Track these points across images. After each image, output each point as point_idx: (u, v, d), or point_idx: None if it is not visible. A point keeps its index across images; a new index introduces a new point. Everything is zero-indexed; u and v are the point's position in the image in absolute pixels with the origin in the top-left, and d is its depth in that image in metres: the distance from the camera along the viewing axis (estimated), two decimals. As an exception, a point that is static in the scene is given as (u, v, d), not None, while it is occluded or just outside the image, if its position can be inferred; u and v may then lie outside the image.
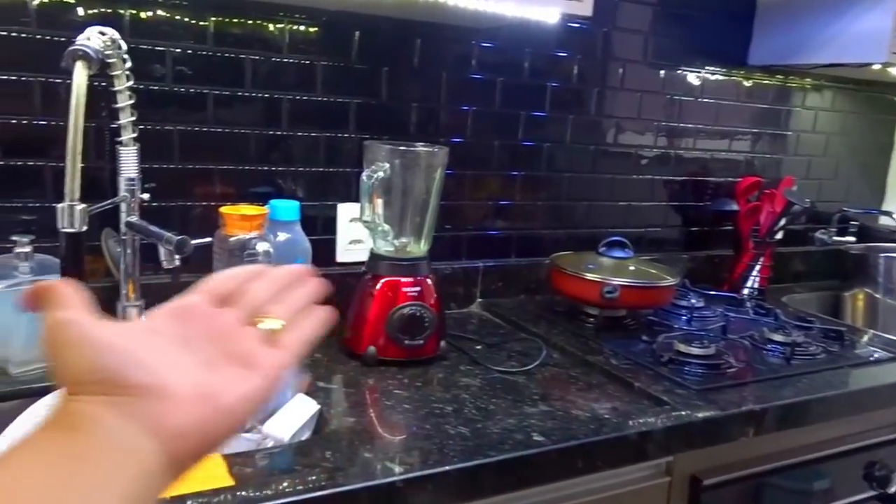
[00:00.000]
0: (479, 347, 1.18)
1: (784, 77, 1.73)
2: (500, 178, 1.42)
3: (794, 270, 1.86)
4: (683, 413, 0.95)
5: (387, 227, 1.07)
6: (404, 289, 1.07)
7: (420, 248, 1.12)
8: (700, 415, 0.95)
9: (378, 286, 1.07)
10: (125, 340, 0.36)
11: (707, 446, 0.96)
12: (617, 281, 1.22)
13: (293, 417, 0.84)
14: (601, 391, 1.02)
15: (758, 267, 1.63)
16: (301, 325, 0.44)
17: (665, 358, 1.10)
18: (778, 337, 1.23)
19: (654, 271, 1.30)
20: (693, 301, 1.38)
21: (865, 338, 1.39)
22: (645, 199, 1.61)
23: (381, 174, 1.04)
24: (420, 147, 1.10)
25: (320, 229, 1.24)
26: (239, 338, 0.41)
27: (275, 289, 0.44)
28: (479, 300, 1.41)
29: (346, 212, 1.25)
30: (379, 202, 1.08)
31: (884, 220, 1.92)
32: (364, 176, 1.03)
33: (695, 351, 1.11)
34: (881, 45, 1.37)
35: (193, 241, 0.91)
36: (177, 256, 0.90)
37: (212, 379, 0.38)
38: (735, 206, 1.63)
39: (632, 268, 1.28)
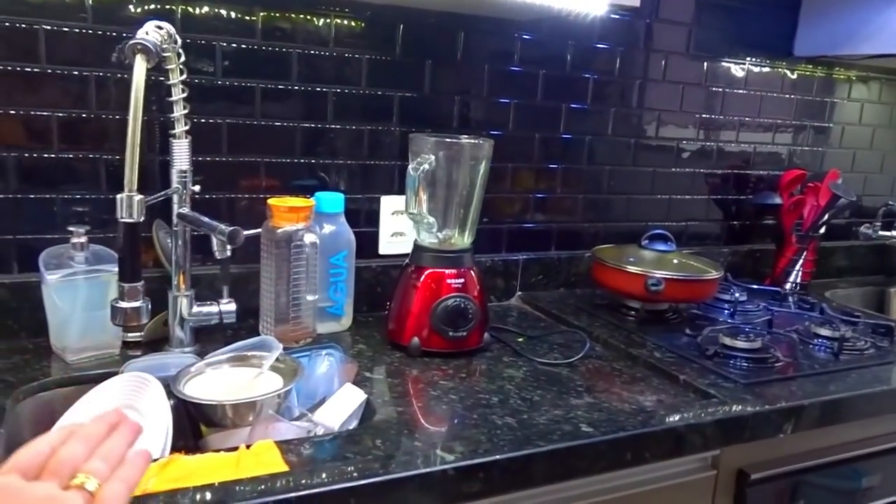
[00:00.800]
0: (521, 339, 1.18)
1: (829, 68, 1.70)
2: (540, 171, 1.41)
3: (837, 265, 1.83)
4: (731, 407, 0.94)
5: (432, 219, 1.08)
6: (448, 280, 1.08)
7: (464, 240, 1.13)
8: (748, 409, 0.94)
9: (422, 278, 1.08)
10: None
11: (754, 440, 0.95)
12: (660, 274, 1.21)
13: (342, 406, 0.85)
14: (646, 384, 1.02)
15: (801, 261, 1.61)
16: (123, 473, 0.45)
17: (711, 351, 1.09)
18: (825, 331, 1.21)
19: (697, 265, 1.29)
20: (737, 295, 1.37)
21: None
22: (686, 192, 1.60)
23: (426, 166, 1.04)
24: (465, 139, 1.11)
25: (363, 222, 1.25)
26: None
27: (89, 445, 0.45)
28: (519, 293, 1.41)
29: (388, 204, 1.26)
30: (424, 194, 1.08)
31: (931, 215, 1.87)
32: (410, 168, 1.04)
33: (741, 345, 1.10)
34: (932, 35, 1.34)
35: (245, 232, 0.92)
36: (228, 247, 0.91)
37: None
38: (778, 200, 1.60)
39: (675, 261, 1.27)
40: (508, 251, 1.40)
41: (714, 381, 1.02)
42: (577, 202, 1.46)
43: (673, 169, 1.56)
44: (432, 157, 1.05)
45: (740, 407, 0.94)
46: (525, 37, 1.33)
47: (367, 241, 1.25)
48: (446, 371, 1.03)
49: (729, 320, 1.26)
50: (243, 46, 1.11)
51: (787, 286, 1.61)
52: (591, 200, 1.48)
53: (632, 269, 1.23)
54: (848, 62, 1.69)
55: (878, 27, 1.46)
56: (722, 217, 1.67)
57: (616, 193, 1.50)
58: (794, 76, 1.66)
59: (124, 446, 0.46)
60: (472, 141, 1.10)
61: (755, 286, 1.48)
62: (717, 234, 1.66)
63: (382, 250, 1.27)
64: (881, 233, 1.81)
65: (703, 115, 1.57)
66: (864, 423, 1.07)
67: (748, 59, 1.59)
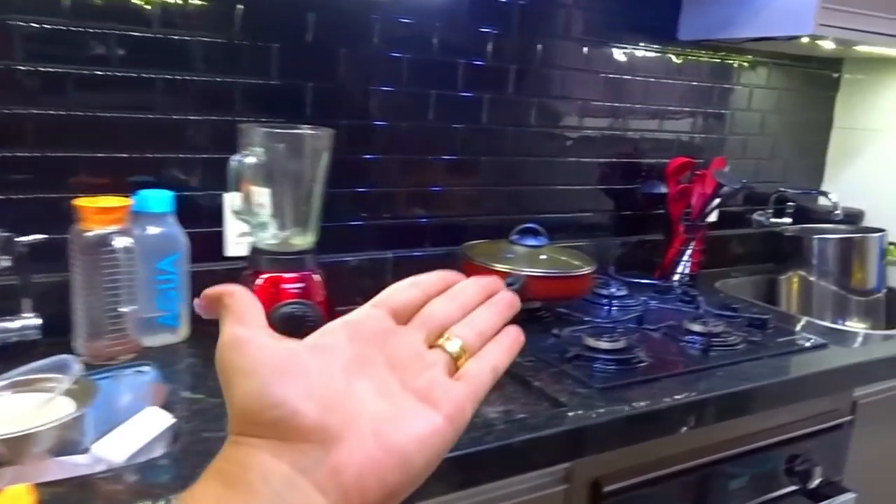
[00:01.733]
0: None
1: (716, 52, 1.66)
2: (413, 163, 1.33)
3: (731, 254, 1.80)
4: (580, 414, 0.87)
5: (264, 217, 0.98)
6: (285, 285, 0.98)
7: (306, 239, 1.03)
8: (599, 417, 0.87)
9: (258, 283, 0.98)
10: (302, 367, 0.32)
11: (604, 451, 0.89)
12: (527, 271, 1.14)
13: (134, 435, 0.75)
14: (498, 392, 0.94)
15: (689, 252, 1.57)
16: (490, 352, 0.37)
17: (570, 353, 1.03)
18: (696, 327, 1.16)
19: (569, 260, 1.23)
20: (613, 290, 1.31)
21: (798, 325, 1.33)
22: (574, 182, 1.53)
23: (252, 159, 0.94)
24: (301, 130, 1.01)
25: (206, 221, 1.14)
26: (421, 365, 0.35)
27: (464, 307, 0.38)
28: (390, 293, 1.32)
29: (232, 201, 1.15)
30: (256, 190, 0.98)
31: (822, 201, 1.87)
32: (232, 161, 0.93)
33: (603, 345, 1.04)
34: (807, 18, 1.30)
35: (26, 238, 0.80)
36: (4, 256, 0.79)
37: (388, 413, 0.32)
38: (664, 189, 1.56)
39: (543, 257, 1.21)
40: (379, 248, 1.31)
41: (568, 387, 0.95)
42: (454, 195, 1.38)
43: (559, 158, 1.50)
44: (261, 150, 0.95)
45: (592, 413, 0.88)
46: (387, 18, 1.24)
47: (210, 243, 1.14)
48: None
49: (600, 319, 1.20)
50: (47, 27, 0.98)
51: (676, 278, 1.57)
52: (469, 193, 1.40)
53: (498, 266, 1.15)
54: (735, 46, 1.66)
55: (759, 10, 1.42)
56: (613, 207, 1.61)
57: (498, 185, 1.43)
58: (681, 61, 1.61)
59: (499, 321, 0.39)
60: (310, 132, 1.01)
61: (637, 279, 1.43)
62: (608, 225, 1.61)
63: (229, 252, 1.16)
64: (773, 220, 1.79)
65: (590, 102, 1.50)
66: (729, 424, 1.02)
67: (633, 43, 1.53)
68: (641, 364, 1.02)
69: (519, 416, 0.87)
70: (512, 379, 0.99)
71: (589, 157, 1.54)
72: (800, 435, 1.12)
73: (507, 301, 0.40)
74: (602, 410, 0.89)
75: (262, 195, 0.99)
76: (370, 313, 0.36)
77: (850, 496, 1.14)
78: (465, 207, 1.40)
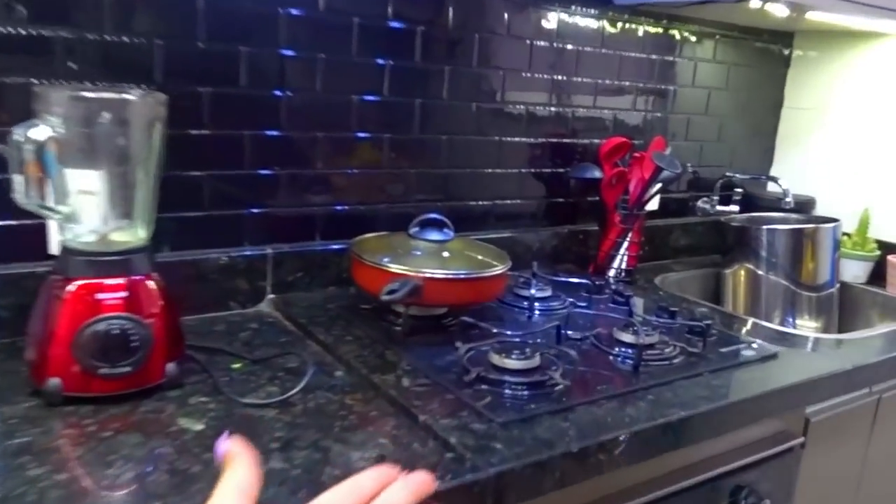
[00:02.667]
0: (237, 366, 0.88)
1: (657, 21, 1.48)
2: (299, 140, 1.11)
3: (673, 245, 1.64)
4: (473, 461, 0.68)
5: (65, 209, 0.76)
6: (104, 294, 0.76)
7: (134, 235, 0.81)
8: (496, 462, 0.68)
9: (68, 292, 0.76)
10: None
11: (503, 507, 0.70)
12: (425, 272, 0.94)
13: None
14: (376, 429, 0.75)
15: (626, 244, 1.39)
16: None
17: (472, 375, 0.83)
18: (627, 337, 0.98)
19: (479, 256, 1.03)
20: (535, 291, 1.12)
21: (744, 329, 1.17)
22: (494, 165, 1.34)
23: (46, 131, 0.72)
24: (126, 95, 0.79)
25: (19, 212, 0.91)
26: None
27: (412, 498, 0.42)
28: (272, 296, 1.11)
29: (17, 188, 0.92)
30: (68, 172, 0.76)
31: (772, 187, 1.71)
32: (15, 135, 0.71)
33: (512, 364, 0.85)
34: (757, -26, 1.12)
35: None
36: None
37: None
38: (598, 173, 1.37)
39: (447, 254, 1.01)
40: (254, 244, 1.10)
41: (464, 422, 0.76)
42: (349, 179, 1.17)
43: (476, 137, 1.30)
44: (58, 120, 0.73)
45: (491, 459, 0.69)
46: (256, -37, 1.01)
47: (30, 239, 0.91)
48: (87, 427, 0.71)
49: (507, 332, 0.99)
50: None
51: (611, 273, 1.39)
52: (369, 177, 1.19)
53: (391, 266, 0.95)
54: (675, 13, 1.48)
55: (703, -31, 1.24)
56: (540, 194, 1.42)
57: (402, 167, 1.22)
58: (617, 30, 1.43)
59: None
60: (132, 97, 0.78)
61: (564, 278, 1.24)
62: (534, 214, 1.42)
63: (54, 249, 0.93)
64: (719, 207, 1.63)
65: (511, 73, 1.31)
66: (661, 458, 0.84)
67: (563, 6, 1.34)
68: (558, 387, 0.83)
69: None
70: (398, 411, 0.79)
71: (512, 135, 1.34)
72: (744, 464, 0.95)
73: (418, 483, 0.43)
74: (504, 454, 0.70)
75: (74, 179, 0.77)
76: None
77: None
78: (362, 194, 1.19)
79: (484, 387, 0.83)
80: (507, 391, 0.82)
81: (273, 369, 0.88)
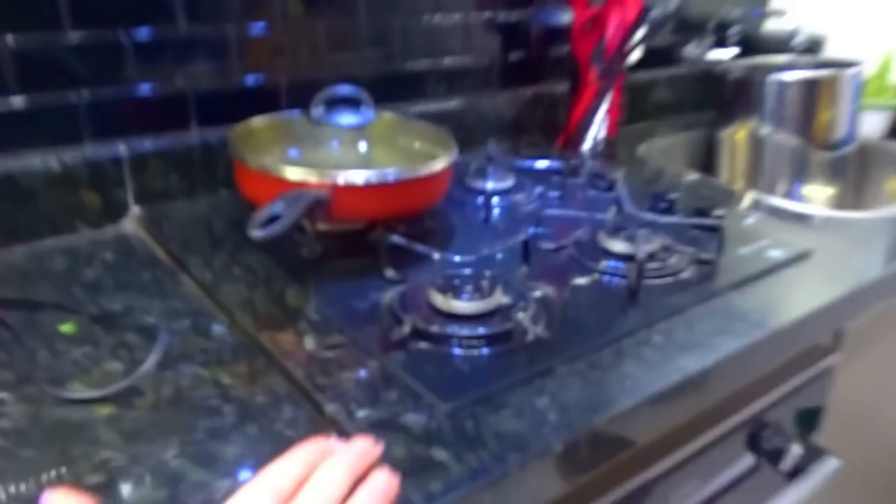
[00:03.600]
0: (66, 328, 0.61)
1: None
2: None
3: (657, 103, 1.35)
4: (407, 474, 0.44)
5: None
6: None
7: None
8: (441, 487, 0.44)
9: None
10: None
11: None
12: (336, 177, 0.65)
13: None
14: (261, 431, 0.49)
15: (604, 107, 1.11)
16: None
17: (405, 330, 0.57)
18: (618, 245, 0.72)
19: (412, 144, 0.74)
20: (493, 181, 0.85)
21: (745, 204, 0.92)
22: (431, 9, 1.01)
23: None
24: None
25: None
26: None
27: (347, 476, 0.35)
28: (136, 210, 0.81)
29: None
30: None
31: (773, 25, 1.41)
32: None
33: (462, 308, 0.59)
34: None
35: None
36: None
37: None
38: (567, 17, 1.06)
39: (363, 145, 0.72)
40: (99, 139, 0.79)
41: (393, 413, 0.50)
42: (236, 39, 0.85)
43: (406, -27, 0.96)
44: None
45: (420, 488, 0.44)
46: None
47: None
48: None
49: (453, 257, 0.73)
50: None
51: (586, 147, 1.11)
52: (260, 36, 0.86)
53: (286, 172, 0.66)
54: None
55: None
56: (494, 47, 1.11)
57: (309, 19, 0.89)
58: None
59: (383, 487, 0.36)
60: None
61: (530, 161, 0.96)
62: (487, 75, 1.11)
63: None
64: (712, 54, 1.33)
65: None
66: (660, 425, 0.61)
67: None
68: (530, 339, 0.58)
69: None
70: (290, 394, 0.53)
71: (455, -31, 1.01)
72: (768, 403, 0.73)
73: (381, 490, 0.36)
74: (452, 473, 0.45)
75: None
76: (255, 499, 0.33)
77: (832, 462, 0.78)
78: (254, 59, 0.86)
79: (422, 345, 0.57)
80: (456, 351, 0.57)
81: (121, 330, 0.61)
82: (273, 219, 0.54)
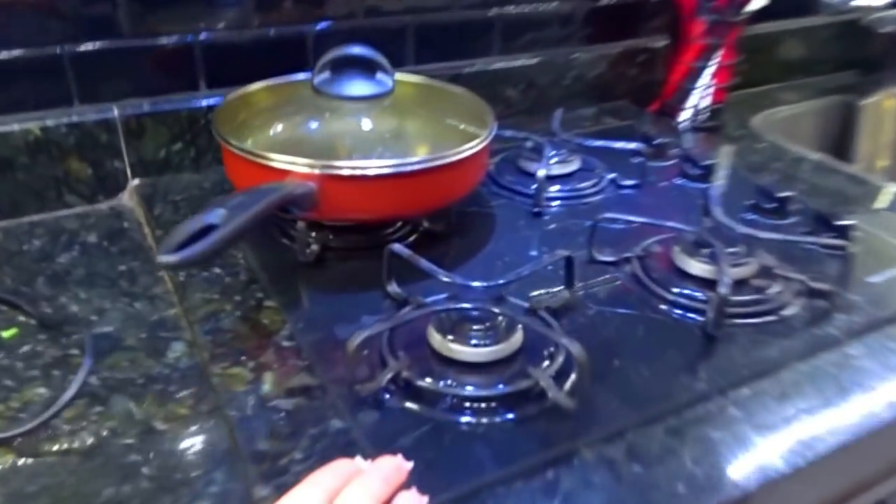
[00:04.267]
0: (7, 335, 0.52)
1: None
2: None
3: (781, 62, 1.11)
4: None
5: None
6: None
7: None
8: None
9: None
10: None
11: None
12: (325, 166, 0.51)
13: None
14: (166, 518, 0.38)
15: (710, 69, 0.90)
16: None
17: (380, 382, 0.43)
18: (698, 267, 0.55)
19: (447, 120, 0.59)
20: (550, 161, 0.68)
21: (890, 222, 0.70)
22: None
23: None
24: None
25: None
26: None
27: (374, 496, 0.31)
28: (136, 182, 0.71)
29: None
30: None
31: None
32: None
33: (465, 354, 0.44)
34: None
35: None
36: None
37: None
38: (671, -46, 0.85)
39: (368, 127, 0.57)
40: (88, 100, 0.68)
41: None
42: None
43: None
44: None
45: None
46: None
47: None
48: None
49: (471, 282, 0.57)
50: None
51: (682, 117, 0.92)
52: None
53: (274, 159, 0.52)
54: None
55: None
56: (579, -8, 0.92)
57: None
58: None
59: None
60: None
61: (603, 141, 0.77)
62: (565, 24, 0.92)
63: None
64: (858, 1, 1.07)
65: None
66: None
67: None
68: (549, 405, 0.43)
69: None
70: (227, 453, 0.41)
71: None
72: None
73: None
74: None
75: None
76: None
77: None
78: (272, 6, 0.73)
79: (404, 403, 0.43)
80: (444, 416, 0.42)
81: (68, 340, 0.51)
82: (206, 231, 0.40)
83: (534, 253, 0.60)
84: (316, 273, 0.57)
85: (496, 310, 0.44)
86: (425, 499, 0.33)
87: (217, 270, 0.58)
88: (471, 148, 0.55)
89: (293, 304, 0.53)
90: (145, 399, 0.46)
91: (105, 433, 0.43)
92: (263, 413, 0.43)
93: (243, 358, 0.48)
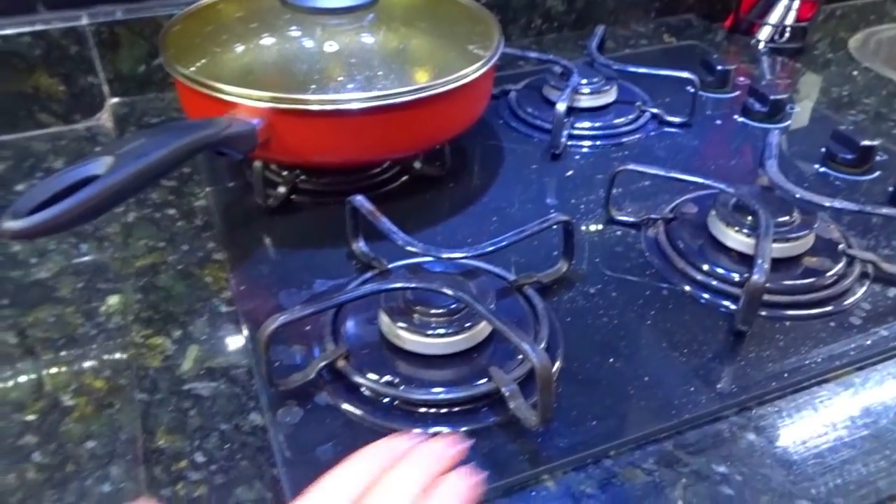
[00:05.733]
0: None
1: None
2: None
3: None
4: None
5: None
6: None
7: None
8: None
9: None
10: None
11: None
12: (285, 99, 0.42)
13: None
14: (70, 488, 0.32)
15: (800, -24, 0.74)
16: None
17: (308, 374, 0.36)
18: (735, 239, 0.44)
19: (443, 36, 0.49)
20: (563, 102, 0.56)
21: None
22: None
23: None
24: None
25: None
26: None
27: (422, 478, 0.28)
28: (114, 101, 0.64)
29: None
30: None
31: None
32: None
33: (412, 342, 0.36)
34: None
35: None
36: None
37: None
38: None
39: (363, 40, 0.47)
40: (54, 7, 0.61)
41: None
42: None
43: None
44: None
45: None
46: None
47: None
48: None
49: (443, 254, 0.48)
50: None
51: (762, 36, 0.77)
52: None
53: (227, 91, 0.43)
54: None
55: None
56: None
57: None
58: None
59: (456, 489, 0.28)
60: None
61: (652, 68, 0.64)
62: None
63: None
64: None
65: None
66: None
67: None
68: (511, 415, 0.34)
69: None
70: (130, 439, 0.35)
71: None
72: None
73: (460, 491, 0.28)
74: None
75: None
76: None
77: None
78: None
79: (335, 400, 0.35)
80: (385, 425, 0.35)
81: (-3, 290, 0.46)
82: (83, 184, 0.32)
83: (547, 202, 0.50)
84: (279, 221, 0.49)
85: (449, 291, 0.35)
86: (478, 478, 0.28)
87: (171, 211, 0.51)
88: (465, 76, 0.45)
89: (243, 260, 0.45)
90: (61, 367, 0.40)
91: (5, 405, 0.38)
92: (174, 398, 0.37)
93: (170, 326, 0.41)
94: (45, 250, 0.49)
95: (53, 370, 0.40)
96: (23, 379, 0.39)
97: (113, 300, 0.44)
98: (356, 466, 0.28)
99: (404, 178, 0.52)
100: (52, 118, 0.63)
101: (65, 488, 0.34)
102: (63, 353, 0.41)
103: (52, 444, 0.36)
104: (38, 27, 0.59)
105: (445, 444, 0.29)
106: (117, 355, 0.40)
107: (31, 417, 0.37)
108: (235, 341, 0.40)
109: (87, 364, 0.40)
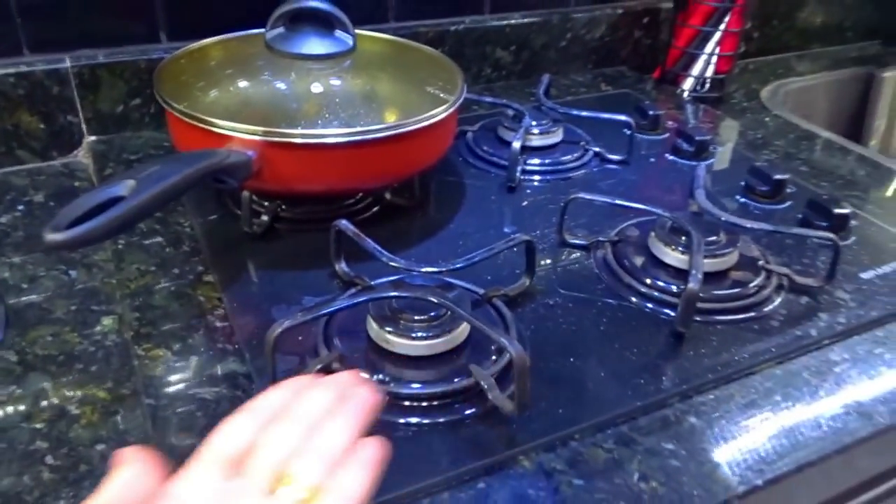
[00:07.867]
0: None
1: None
2: None
3: (800, 28, 1.04)
4: None
5: None
6: None
7: None
8: None
9: None
10: None
11: None
12: (276, 133, 0.47)
13: None
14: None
15: (717, 34, 0.84)
16: (346, 485, 0.27)
17: (317, 367, 0.40)
18: (673, 255, 0.50)
19: (411, 84, 0.54)
20: (518, 141, 0.63)
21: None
22: None
23: None
24: None
25: None
26: None
27: (308, 425, 0.29)
28: (91, 139, 0.68)
29: None
30: None
31: None
32: None
33: (399, 345, 0.41)
34: None
35: None
36: None
37: None
38: None
39: (323, 86, 0.52)
40: (38, 50, 0.64)
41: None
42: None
43: None
44: None
45: None
46: None
47: None
48: None
49: (421, 268, 0.53)
50: None
51: (685, 87, 0.86)
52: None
53: (216, 123, 0.48)
54: None
55: None
56: (583, -54, 0.85)
57: None
58: None
59: (354, 435, 0.29)
60: None
61: (592, 111, 0.71)
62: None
63: None
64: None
65: None
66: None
67: None
68: (489, 406, 0.39)
69: None
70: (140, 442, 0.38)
71: None
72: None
73: (364, 405, 0.30)
74: None
75: None
76: (197, 475, 0.27)
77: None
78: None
79: (336, 396, 0.40)
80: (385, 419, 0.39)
81: (-9, 311, 0.48)
82: (110, 203, 0.36)
83: (506, 230, 0.56)
84: (264, 246, 0.53)
85: (434, 299, 0.40)
86: (380, 395, 0.30)
87: (159, 239, 0.54)
88: (434, 116, 0.51)
89: (233, 281, 0.49)
90: (63, 379, 0.43)
91: (13, 415, 0.40)
92: (180, 402, 0.40)
93: (169, 339, 0.45)
94: (35, 276, 0.51)
95: (57, 383, 0.42)
96: (27, 391, 0.42)
97: (107, 321, 0.47)
98: (267, 397, 0.30)
99: (376, 208, 0.58)
100: (30, 154, 0.66)
101: (80, 485, 0.37)
102: (64, 368, 0.43)
103: (64, 449, 0.39)
104: (23, 68, 0.63)
105: (350, 377, 0.31)
106: (118, 368, 0.43)
107: (39, 425, 0.40)
108: (233, 352, 0.44)
109: (90, 377, 0.43)
